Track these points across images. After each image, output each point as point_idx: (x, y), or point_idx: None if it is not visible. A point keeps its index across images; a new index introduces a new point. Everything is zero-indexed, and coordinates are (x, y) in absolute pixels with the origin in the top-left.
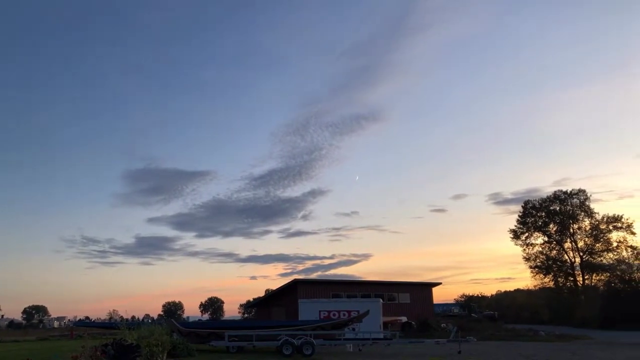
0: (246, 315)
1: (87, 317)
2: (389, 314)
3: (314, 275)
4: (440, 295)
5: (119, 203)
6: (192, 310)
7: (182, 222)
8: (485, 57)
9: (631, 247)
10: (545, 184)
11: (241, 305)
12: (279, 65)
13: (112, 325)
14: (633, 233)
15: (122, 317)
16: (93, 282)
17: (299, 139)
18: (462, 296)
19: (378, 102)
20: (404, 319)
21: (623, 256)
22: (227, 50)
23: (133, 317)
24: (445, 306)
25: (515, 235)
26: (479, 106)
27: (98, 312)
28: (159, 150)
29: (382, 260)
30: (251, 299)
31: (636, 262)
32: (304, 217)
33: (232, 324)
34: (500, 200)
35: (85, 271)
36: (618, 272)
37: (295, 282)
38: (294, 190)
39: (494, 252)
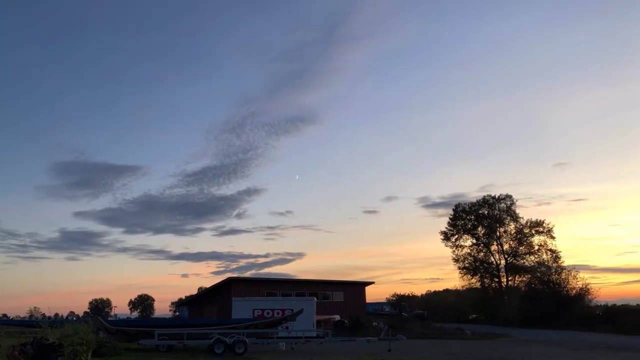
0: (177, 313)
1: (4, 315)
2: (323, 313)
3: (248, 274)
4: (373, 294)
5: (44, 196)
6: (121, 307)
7: (111, 217)
8: (414, 66)
9: (551, 250)
10: (471, 189)
11: (173, 303)
12: (214, 64)
13: (32, 323)
14: (553, 237)
15: (44, 314)
16: (12, 277)
17: (234, 138)
18: (393, 295)
19: (313, 105)
20: (337, 317)
21: (543, 259)
22: (161, 45)
23: (56, 314)
24: (377, 305)
25: (446, 237)
26: (408, 114)
27: (17, 309)
28: (89, 144)
29: (317, 259)
30: (183, 297)
31: (554, 264)
32: (239, 216)
33: (163, 322)
34: (429, 204)
35: (3, 266)
36: (538, 274)
37: (229, 280)
38: (229, 189)
39: (424, 253)
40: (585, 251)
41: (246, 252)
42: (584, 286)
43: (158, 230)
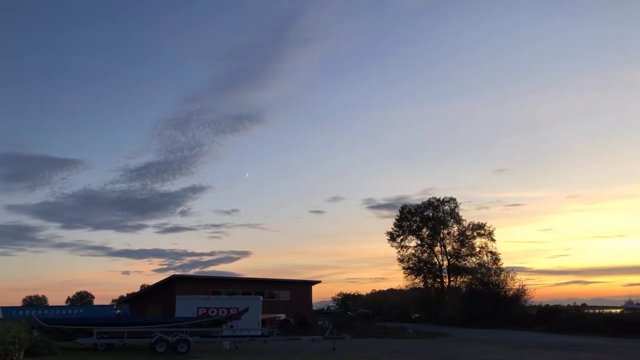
0: (119, 311)
1: None
2: (270, 312)
3: (192, 272)
4: (319, 293)
5: None
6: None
7: (48, 212)
8: (362, 70)
9: (491, 252)
10: (413, 192)
11: (113, 301)
12: (159, 60)
13: None
14: (493, 240)
15: None
16: None
17: (179, 134)
18: (339, 294)
19: (261, 105)
20: (283, 316)
21: (484, 260)
22: (105, 39)
23: None
24: (324, 304)
25: (392, 237)
26: (355, 116)
27: None
28: (26, 135)
29: (263, 258)
30: (125, 295)
31: (494, 266)
32: (183, 213)
33: (102, 320)
34: (374, 205)
35: None
36: (478, 275)
37: (173, 278)
38: (173, 185)
39: (369, 254)
40: (522, 254)
41: (190, 250)
42: (520, 287)
43: (98, 226)
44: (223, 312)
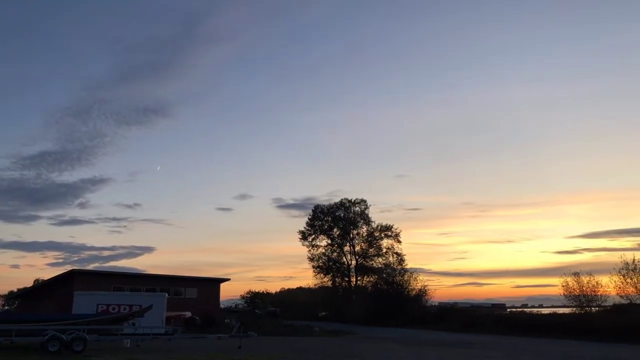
0: (6, 307)
1: None
2: (175, 309)
3: (91, 267)
4: (228, 291)
5: None
6: None
7: None
8: (271, 70)
9: (397, 253)
10: (321, 193)
11: (2, 297)
12: (59, 46)
13: None
14: (399, 241)
15: None
16: None
17: (79, 123)
18: (248, 293)
19: (168, 99)
20: (189, 314)
21: (390, 261)
22: None
23: None
24: (232, 302)
25: (304, 236)
26: (264, 115)
27: None
28: None
29: (168, 254)
30: (15, 290)
31: (399, 266)
32: (81, 205)
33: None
34: (283, 205)
35: None
36: (384, 275)
37: (71, 273)
38: (72, 176)
39: (278, 252)
40: (423, 256)
41: (89, 244)
42: (422, 287)
43: None
44: (125, 309)
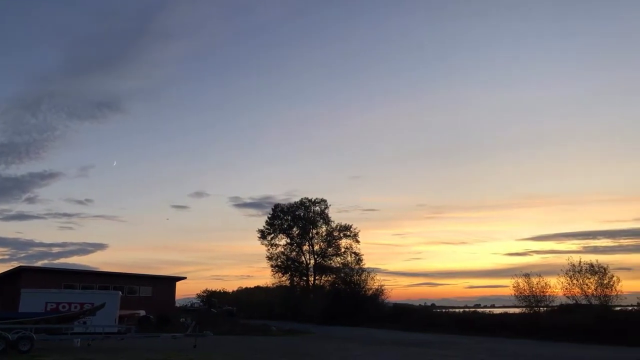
0: None
1: None
2: (129, 308)
3: (39, 264)
4: (184, 290)
5: None
6: None
7: None
8: (227, 67)
9: (355, 253)
10: (278, 192)
11: None
12: (6, 36)
13: None
14: (358, 241)
15: None
16: None
17: (29, 116)
18: (204, 291)
19: (122, 94)
20: (143, 312)
21: (348, 260)
22: None
23: None
24: (188, 301)
25: (263, 235)
26: (219, 113)
27: None
28: None
29: (121, 251)
30: None
31: (357, 266)
32: (29, 200)
33: None
34: (240, 203)
35: None
36: (342, 275)
37: (19, 270)
38: (19, 169)
39: (235, 251)
40: (379, 256)
41: (38, 240)
42: (379, 287)
43: None
44: (76, 307)
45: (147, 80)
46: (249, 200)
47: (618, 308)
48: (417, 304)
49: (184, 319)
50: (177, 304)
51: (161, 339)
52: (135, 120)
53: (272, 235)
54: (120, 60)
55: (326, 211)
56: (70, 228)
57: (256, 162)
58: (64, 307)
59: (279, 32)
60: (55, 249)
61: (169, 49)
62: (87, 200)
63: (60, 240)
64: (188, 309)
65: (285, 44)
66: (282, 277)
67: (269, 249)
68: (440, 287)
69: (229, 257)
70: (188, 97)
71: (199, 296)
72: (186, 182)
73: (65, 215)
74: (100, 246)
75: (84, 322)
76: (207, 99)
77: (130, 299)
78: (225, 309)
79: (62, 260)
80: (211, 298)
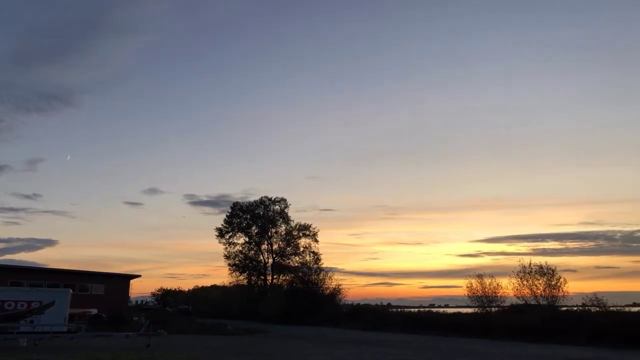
0: None
1: None
2: (81, 306)
3: None
4: (138, 288)
5: None
6: None
7: None
8: (181, 63)
9: (314, 252)
10: (235, 191)
11: None
12: None
13: None
14: (317, 241)
15: None
16: None
17: None
18: (159, 290)
19: (72, 87)
20: (95, 311)
21: (306, 260)
22: None
23: None
24: (143, 299)
25: (221, 233)
26: (173, 108)
27: None
28: None
29: (72, 248)
30: None
31: (315, 266)
32: None
33: None
34: (196, 201)
35: None
36: (300, 274)
37: None
38: None
39: (192, 249)
40: (336, 256)
41: None
42: (336, 287)
43: None
44: (23, 305)
45: (100, 73)
46: (205, 198)
47: (564, 308)
48: (374, 304)
49: (137, 318)
50: (131, 303)
51: (114, 338)
52: (87, 114)
53: (231, 233)
54: (72, 52)
55: (286, 210)
56: (16, 223)
57: (212, 160)
58: (9, 305)
59: (234, 28)
60: (1, 245)
61: (122, 43)
62: (35, 194)
63: (5, 235)
64: (143, 308)
65: (242, 41)
66: (240, 276)
67: (226, 248)
68: (396, 286)
69: (185, 256)
70: (141, 92)
71: (153, 295)
72: (139, 179)
73: (11, 210)
74: (49, 242)
75: (31, 321)
76: (161, 94)
77: (81, 297)
78: (180, 308)
79: (8, 256)
80: (166, 297)
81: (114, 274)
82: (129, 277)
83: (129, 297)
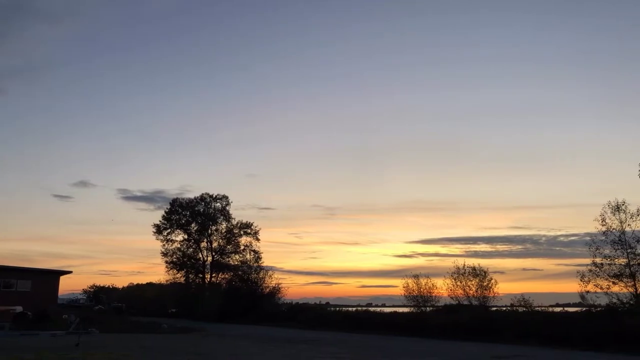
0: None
1: None
2: (5, 303)
3: None
4: (69, 285)
5: None
6: None
7: None
8: (114, 50)
9: (254, 251)
10: (171, 187)
11: None
12: None
13: None
14: (258, 239)
15: None
16: None
17: None
18: (91, 287)
19: None
20: (19, 308)
21: (247, 258)
22: None
23: None
24: (73, 296)
25: (159, 230)
26: (105, 98)
27: None
28: None
29: None
30: None
31: (255, 264)
32: None
33: None
34: (130, 196)
35: None
36: (240, 272)
37: None
38: None
39: (126, 245)
40: (276, 254)
41: None
42: (276, 285)
43: None
44: None
45: (28, 59)
46: (139, 194)
47: (494, 308)
48: (313, 302)
49: (67, 316)
50: (61, 300)
51: (40, 337)
52: (11, 100)
53: (169, 230)
54: None
55: (227, 208)
56: None
57: (147, 154)
58: None
59: (173, 19)
60: None
61: (53, 29)
62: None
63: None
64: (73, 305)
65: (182, 32)
66: (177, 273)
67: (164, 245)
68: (334, 286)
69: (119, 252)
70: (73, 80)
71: (85, 292)
72: (69, 171)
73: None
74: None
75: None
76: (93, 83)
77: (5, 294)
78: (113, 306)
79: None
80: (99, 294)
81: (43, 270)
82: (58, 273)
83: (58, 294)
